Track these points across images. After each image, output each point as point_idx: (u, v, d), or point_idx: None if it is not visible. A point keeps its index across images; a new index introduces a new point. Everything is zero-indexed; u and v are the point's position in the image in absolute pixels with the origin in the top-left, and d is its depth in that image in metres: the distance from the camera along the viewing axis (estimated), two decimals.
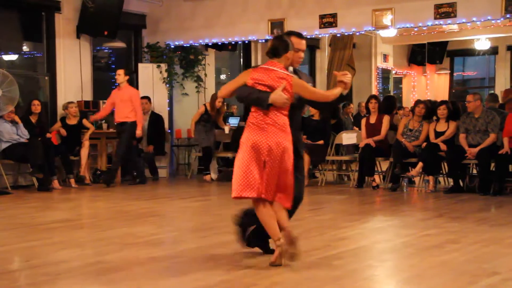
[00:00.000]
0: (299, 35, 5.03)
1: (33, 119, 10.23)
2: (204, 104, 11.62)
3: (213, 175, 11.49)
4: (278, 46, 4.82)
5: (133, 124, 10.47)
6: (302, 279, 4.52)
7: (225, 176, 11.39)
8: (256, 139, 4.72)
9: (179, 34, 12.27)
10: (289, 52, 4.81)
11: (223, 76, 15.59)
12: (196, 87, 12.61)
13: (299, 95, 4.84)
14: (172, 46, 12.39)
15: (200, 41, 12.22)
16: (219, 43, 12.33)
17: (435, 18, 10.07)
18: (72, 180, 10.33)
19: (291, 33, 5.04)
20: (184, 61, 12.51)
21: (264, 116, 4.75)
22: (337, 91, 4.85)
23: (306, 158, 10.12)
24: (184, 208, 8.57)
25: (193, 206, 8.76)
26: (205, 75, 12.81)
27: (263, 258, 5.19)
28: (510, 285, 4.37)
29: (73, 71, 11.36)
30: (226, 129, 11.50)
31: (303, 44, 5.02)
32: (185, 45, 12.38)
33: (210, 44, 12.40)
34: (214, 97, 11.48)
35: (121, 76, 10.54)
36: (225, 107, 12.17)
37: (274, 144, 4.70)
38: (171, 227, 7.15)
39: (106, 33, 11.47)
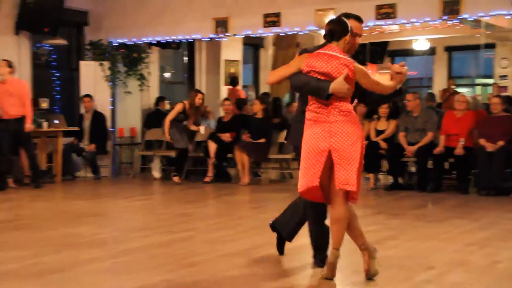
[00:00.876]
0: (358, 19, 4.56)
1: None
2: (183, 102, 11.03)
3: (157, 174, 11.41)
4: (336, 28, 4.33)
5: (21, 120, 9.71)
6: (245, 277, 4.54)
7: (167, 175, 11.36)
8: (319, 138, 4.24)
9: (123, 31, 12.11)
10: (348, 35, 4.32)
11: (167, 75, 15.47)
12: (140, 85, 12.46)
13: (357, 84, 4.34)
14: (115, 44, 12.22)
15: (144, 39, 12.09)
16: (163, 41, 12.23)
17: (376, 19, 10.20)
18: (10, 180, 10.06)
19: (349, 16, 4.52)
20: (127, 59, 12.34)
21: (325, 108, 4.26)
22: (393, 83, 4.42)
23: (245, 157, 10.15)
24: (126, 207, 8.47)
25: (136, 205, 8.68)
26: (149, 73, 12.68)
27: (205, 257, 5.19)
28: (445, 278, 4.49)
29: None
30: (202, 129, 11.01)
31: (361, 28, 4.56)
32: (128, 43, 12.22)
33: (154, 42, 12.28)
34: (194, 94, 10.99)
35: (2, 68, 9.74)
36: (205, 107, 11.64)
37: (343, 136, 4.23)
38: (112, 226, 7.06)
39: (46, 30, 11.22)
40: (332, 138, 4.23)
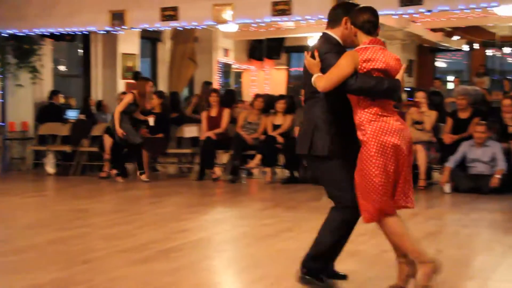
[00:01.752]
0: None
1: None
2: (132, 92, 10.24)
3: (51, 170, 11.08)
4: (375, 20, 3.89)
5: None
6: (141, 273, 4.49)
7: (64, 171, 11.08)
8: (392, 141, 3.76)
9: (13, 22, 11.64)
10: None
11: (61, 67, 15.02)
12: (32, 78, 12.04)
13: None
14: (5, 35, 11.74)
15: (36, 30, 11.66)
16: (57, 33, 11.85)
17: (272, 15, 10.34)
18: None
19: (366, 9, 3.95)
20: (18, 50, 11.89)
21: (385, 109, 3.82)
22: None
23: (143, 152, 10.04)
24: (18, 204, 8.18)
25: (28, 202, 8.39)
26: (42, 66, 12.27)
27: (100, 253, 5.10)
28: (339, 268, 4.59)
29: None
30: (151, 121, 10.30)
31: None
32: (19, 34, 11.77)
33: (47, 34, 11.88)
34: (143, 83, 10.31)
35: None
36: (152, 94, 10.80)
37: (408, 140, 3.86)
38: (2, 224, 6.78)
39: None
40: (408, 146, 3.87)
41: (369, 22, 3.84)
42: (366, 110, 3.78)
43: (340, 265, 4.67)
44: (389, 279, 4.22)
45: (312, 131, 3.91)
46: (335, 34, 3.99)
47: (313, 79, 3.82)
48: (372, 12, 3.87)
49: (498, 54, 17.19)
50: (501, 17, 12.83)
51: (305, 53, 3.96)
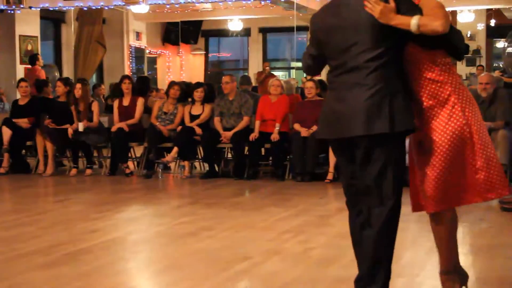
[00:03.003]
0: None
1: None
2: None
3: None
4: None
5: None
6: (46, 278, 4.41)
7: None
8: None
9: None
10: None
11: None
12: None
13: None
14: None
15: None
16: None
17: None
18: None
19: None
20: None
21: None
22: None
23: (48, 144, 9.83)
24: None
25: None
26: None
27: (1, 257, 4.98)
28: (260, 268, 4.68)
29: None
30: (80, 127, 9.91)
31: None
32: None
33: None
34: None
35: None
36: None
37: None
38: None
39: None
40: None
41: None
42: (450, 69, 3.42)
43: (261, 265, 4.74)
44: (313, 280, 4.32)
45: (388, 101, 3.30)
46: None
47: (417, 21, 3.20)
48: None
49: None
50: None
51: None
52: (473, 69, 17.50)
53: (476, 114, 3.43)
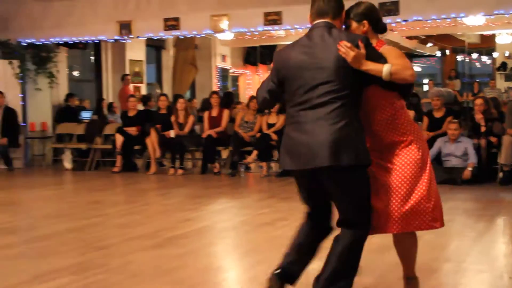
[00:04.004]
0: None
1: None
2: None
3: (68, 165, 11.06)
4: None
5: None
6: (151, 257, 4.50)
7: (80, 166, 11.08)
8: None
9: (31, 32, 11.61)
10: None
11: (76, 73, 14.96)
12: (49, 82, 12.00)
13: None
14: (24, 44, 11.70)
15: (52, 39, 11.64)
16: (70, 42, 11.83)
17: (265, 24, 10.35)
18: None
19: None
20: (36, 58, 11.85)
21: None
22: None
23: (157, 149, 10.02)
24: (39, 196, 8.16)
25: (49, 194, 8.38)
26: (57, 71, 12.23)
27: (114, 240, 5.11)
28: (326, 253, 4.62)
29: None
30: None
31: None
32: (37, 43, 11.73)
33: (61, 42, 11.85)
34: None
35: None
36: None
37: None
38: (26, 214, 6.79)
39: None
40: None
41: (383, 21, 3.30)
42: (403, 109, 3.21)
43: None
44: (373, 264, 4.24)
45: (354, 136, 3.01)
46: (337, 26, 3.18)
47: (389, 69, 2.97)
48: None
49: (467, 59, 17.30)
50: (469, 26, 12.95)
51: (342, 43, 2.97)
52: (510, 84, 16.94)
53: (426, 149, 3.23)
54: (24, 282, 3.86)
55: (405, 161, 3.16)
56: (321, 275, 3.20)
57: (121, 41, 12.02)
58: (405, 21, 9.92)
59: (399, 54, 3.11)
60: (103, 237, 5.24)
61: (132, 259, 4.46)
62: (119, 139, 10.34)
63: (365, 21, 3.19)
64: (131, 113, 10.79)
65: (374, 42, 3.18)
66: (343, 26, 3.23)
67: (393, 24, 11.60)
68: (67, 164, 11.08)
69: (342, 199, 3.10)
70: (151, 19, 10.75)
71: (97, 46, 13.84)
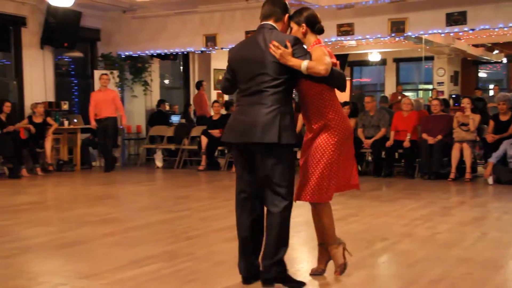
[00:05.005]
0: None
1: (4, 117, 9.82)
2: None
3: (159, 164, 11.36)
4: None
5: (111, 119, 10.63)
6: (233, 248, 4.52)
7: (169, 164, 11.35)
8: (351, 127, 3.66)
9: (129, 45, 12.04)
10: None
11: (166, 81, 15.37)
12: (144, 90, 12.39)
13: None
14: (123, 56, 12.14)
15: (146, 51, 12.02)
16: (162, 54, 12.16)
17: (337, 35, 10.26)
18: (38, 169, 10.00)
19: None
20: (133, 68, 12.27)
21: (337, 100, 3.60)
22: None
23: None
24: (134, 191, 8.43)
25: (142, 189, 8.63)
26: (151, 80, 12.61)
27: (200, 232, 5.18)
28: (396, 247, 4.53)
29: (38, 76, 10.96)
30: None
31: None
32: (133, 55, 12.15)
33: (154, 54, 12.21)
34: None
35: (106, 80, 10.80)
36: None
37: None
38: (123, 207, 7.02)
39: (66, 44, 11.12)
40: None
41: (320, 23, 3.56)
42: (332, 100, 3.47)
43: (396, 245, 4.58)
44: (439, 258, 4.11)
45: (279, 119, 3.26)
46: (278, 27, 3.44)
47: (306, 64, 3.25)
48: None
49: None
50: None
51: (272, 43, 3.29)
52: None
53: (345, 137, 3.49)
54: (122, 266, 3.99)
55: (319, 143, 3.47)
56: (265, 249, 3.40)
57: (207, 52, 12.24)
58: (473, 30, 9.57)
59: (321, 52, 3.36)
60: (190, 228, 5.33)
61: (215, 249, 4.51)
62: (204, 140, 10.53)
63: (303, 24, 3.51)
64: (215, 117, 10.95)
65: (312, 40, 3.51)
66: (289, 27, 3.53)
67: (460, 33, 11.21)
68: (158, 162, 11.39)
69: (266, 172, 3.32)
70: (234, 32, 10.89)
71: (185, 57, 14.15)
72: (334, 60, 3.45)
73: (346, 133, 3.51)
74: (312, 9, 3.58)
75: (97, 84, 11.70)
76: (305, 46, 3.42)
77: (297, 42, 3.34)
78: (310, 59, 3.30)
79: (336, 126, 3.47)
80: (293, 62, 3.28)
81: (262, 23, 3.46)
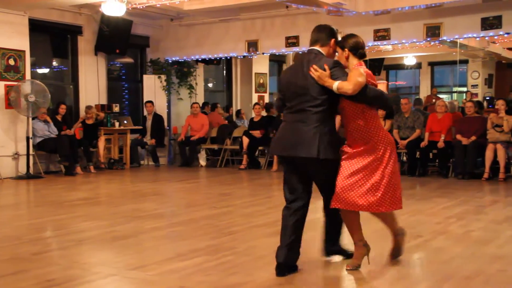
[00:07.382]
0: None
1: (60, 118, 10.11)
2: None
3: (203, 163, 11.46)
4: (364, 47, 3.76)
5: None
6: (272, 243, 4.52)
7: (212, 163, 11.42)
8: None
9: (176, 51, 12.18)
10: None
11: (210, 85, 15.50)
12: (189, 93, 12.52)
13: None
14: (170, 61, 12.29)
15: (192, 57, 12.14)
16: (207, 59, 12.26)
17: (374, 40, 10.14)
18: (91, 167, 10.23)
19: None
20: (179, 72, 12.40)
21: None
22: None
23: None
24: (180, 188, 8.52)
25: (187, 186, 8.72)
26: (196, 84, 12.73)
27: (241, 227, 5.19)
28: (430, 244, 4.44)
29: (92, 81, 11.22)
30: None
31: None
32: (180, 60, 12.29)
33: (199, 59, 12.32)
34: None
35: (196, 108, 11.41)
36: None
37: None
38: (169, 203, 7.10)
39: (118, 51, 11.35)
40: None
41: (363, 49, 3.67)
42: (374, 118, 3.57)
43: (431, 242, 4.49)
44: (473, 255, 4.01)
45: (319, 137, 3.45)
46: (324, 52, 3.62)
47: (337, 85, 3.39)
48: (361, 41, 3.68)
49: None
50: None
51: (313, 66, 3.48)
52: None
53: (390, 152, 3.61)
54: (168, 259, 4.04)
55: (365, 157, 3.56)
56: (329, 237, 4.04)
57: (249, 57, 12.28)
58: (508, 33, 9.30)
59: (356, 73, 3.45)
60: (232, 224, 5.34)
61: (256, 244, 4.51)
62: (246, 140, 10.56)
63: (346, 49, 3.62)
64: (256, 119, 10.98)
65: (354, 63, 3.59)
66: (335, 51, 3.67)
67: (495, 37, 10.92)
68: (202, 161, 11.48)
69: (314, 180, 3.67)
70: (275, 38, 10.89)
71: (228, 62, 14.23)
72: (373, 81, 3.56)
73: (392, 147, 3.64)
74: (357, 37, 3.68)
75: (146, 88, 11.90)
76: (347, 70, 3.57)
77: (335, 65, 3.51)
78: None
79: (380, 144, 3.58)
80: (329, 83, 3.44)
81: (310, 48, 3.67)
